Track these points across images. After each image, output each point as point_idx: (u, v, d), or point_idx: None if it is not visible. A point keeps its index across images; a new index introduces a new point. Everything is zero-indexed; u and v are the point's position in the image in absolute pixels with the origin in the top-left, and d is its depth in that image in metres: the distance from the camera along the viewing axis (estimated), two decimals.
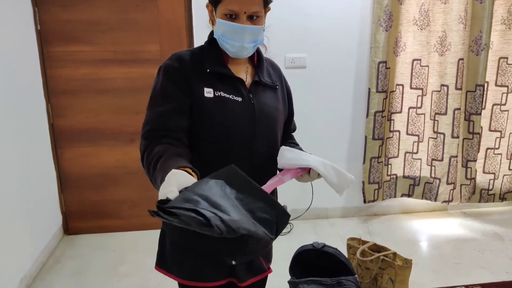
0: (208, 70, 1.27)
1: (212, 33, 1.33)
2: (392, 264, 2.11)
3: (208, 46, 1.32)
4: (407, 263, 2.12)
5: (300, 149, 1.44)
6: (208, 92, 1.25)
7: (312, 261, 2.00)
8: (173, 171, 1.00)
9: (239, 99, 1.28)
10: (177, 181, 0.96)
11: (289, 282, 1.94)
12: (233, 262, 1.35)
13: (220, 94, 1.26)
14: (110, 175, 3.18)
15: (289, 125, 1.52)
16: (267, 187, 1.21)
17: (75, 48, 2.97)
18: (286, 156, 1.27)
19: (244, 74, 1.34)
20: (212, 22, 1.31)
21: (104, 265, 2.84)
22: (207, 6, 1.30)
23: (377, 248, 2.27)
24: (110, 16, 2.95)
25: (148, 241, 3.12)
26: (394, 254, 2.17)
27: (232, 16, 1.23)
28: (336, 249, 2.03)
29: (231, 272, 1.37)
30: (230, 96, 1.27)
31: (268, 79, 1.37)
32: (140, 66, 3.03)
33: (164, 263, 1.38)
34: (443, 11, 3.04)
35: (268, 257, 1.53)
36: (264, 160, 1.34)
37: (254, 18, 1.24)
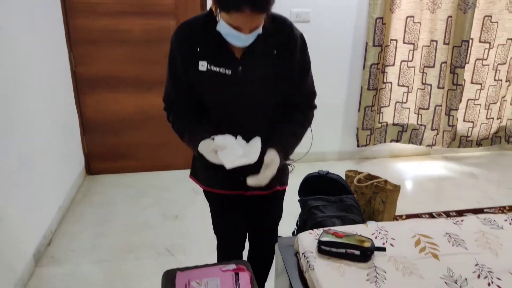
0: (203, 46, 1.40)
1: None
2: (384, 189, 2.52)
3: (208, 20, 1.39)
4: (396, 188, 2.54)
5: (293, 129, 1.58)
6: (202, 66, 1.41)
7: (317, 187, 2.39)
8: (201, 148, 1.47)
9: (229, 72, 1.40)
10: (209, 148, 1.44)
11: (299, 200, 2.33)
12: (241, 178, 1.54)
13: (212, 68, 1.40)
14: (129, 120, 3.47)
15: (294, 92, 1.54)
16: None
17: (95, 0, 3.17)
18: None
19: None
20: (215, 9, 1.36)
21: (128, 198, 3.19)
22: None
23: (370, 177, 2.68)
24: None
25: (164, 180, 3.48)
26: (385, 181, 2.58)
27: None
28: (338, 175, 2.43)
29: (241, 186, 1.60)
30: (221, 70, 1.40)
31: (262, 45, 1.40)
32: (156, 18, 3.25)
33: (195, 174, 1.75)
34: None
35: (281, 180, 1.72)
36: (250, 129, 1.52)
37: (255, 28, 1.33)
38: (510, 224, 1.95)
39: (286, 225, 2.29)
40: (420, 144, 3.78)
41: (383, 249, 1.71)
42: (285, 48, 1.45)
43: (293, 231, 2.41)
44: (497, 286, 1.55)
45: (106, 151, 3.55)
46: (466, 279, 1.58)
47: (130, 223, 2.86)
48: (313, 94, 1.64)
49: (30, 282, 2.29)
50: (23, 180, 2.39)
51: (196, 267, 1.59)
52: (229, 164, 1.43)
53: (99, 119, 3.46)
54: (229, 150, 1.46)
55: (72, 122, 3.34)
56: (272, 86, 1.49)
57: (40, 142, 2.67)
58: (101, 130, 3.49)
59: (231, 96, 1.48)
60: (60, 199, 2.93)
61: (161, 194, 3.24)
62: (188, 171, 1.78)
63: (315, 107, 1.66)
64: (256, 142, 1.51)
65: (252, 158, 1.46)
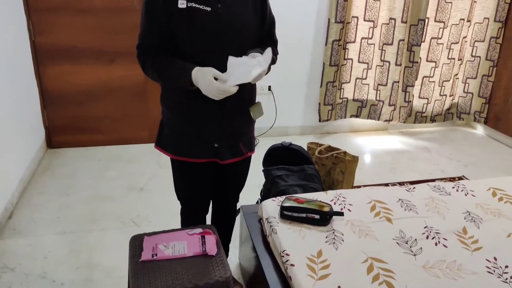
0: None
1: None
2: (343, 159, 2.63)
3: None
4: (354, 158, 2.67)
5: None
6: (182, 4, 1.44)
7: (281, 158, 2.48)
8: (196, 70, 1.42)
9: (208, 9, 1.45)
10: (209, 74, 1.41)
11: (263, 170, 2.41)
12: (216, 145, 1.67)
13: (192, 4, 1.44)
14: (91, 92, 3.41)
15: (265, 33, 1.67)
16: None
17: None
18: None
19: None
20: None
21: (92, 170, 3.17)
22: None
23: (330, 149, 2.79)
24: None
25: (128, 153, 3.47)
26: (345, 152, 2.70)
27: None
28: (300, 146, 2.52)
29: (215, 153, 1.68)
30: (201, 6, 1.44)
31: None
32: None
33: (161, 144, 1.73)
34: None
35: (250, 146, 1.80)
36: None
37: None
38: (457, 190, 2.11)
39: (250, 195, 2.37)
40: (378, 119, 3.95)
41: (341, 214, 1.82)
42: None
43: (257, 201, 2.50)
44: (443, 245, 1.69)
45: (67, 124, 3.49)
46: (416, 239, 1.72)
47: (94, 195, 2.85)
48: (277, 42, 1.78)
49: None
50: None
51: (163, 232, 1.65)
52: (244, 78, 1.40)
53: (60, 92, 3.38)
54: (234, 68, 1.41)
55: (31, 94, 3.26)
56: (249, 25, 1.56)
57: None
58: (62, 103, 3.42)
59: (211, 34, 1.48)
60: (20, 172, 2.87)
61: (126, 167, 3.24)
62: (152, 145, 1.77)
63: (278, 52, 1.77)
64: (267, 51, 1.48)
65: (266, 63, 1.45)
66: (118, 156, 3.41)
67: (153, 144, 1.77)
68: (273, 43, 1.74)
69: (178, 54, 1.53)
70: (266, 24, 1.65)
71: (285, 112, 3.81)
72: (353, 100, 3.92)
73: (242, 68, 1.41)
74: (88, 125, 3.53)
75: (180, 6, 1.45)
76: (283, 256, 1.59)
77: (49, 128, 3.47)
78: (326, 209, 1.77)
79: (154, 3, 1.47)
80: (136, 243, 1.59)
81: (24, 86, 3.11)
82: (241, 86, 1.50)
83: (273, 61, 1.69)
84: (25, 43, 3.14)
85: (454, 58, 3.89)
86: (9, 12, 2.88)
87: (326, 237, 1.70)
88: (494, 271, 1.55)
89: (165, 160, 3.15)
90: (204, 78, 1.41)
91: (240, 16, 1.54)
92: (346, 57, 3.73)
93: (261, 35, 1.65)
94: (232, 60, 1.40)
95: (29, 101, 3.21)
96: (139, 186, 2.98)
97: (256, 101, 1.75)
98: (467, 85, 4.11)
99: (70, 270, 2.18)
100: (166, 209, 2.66)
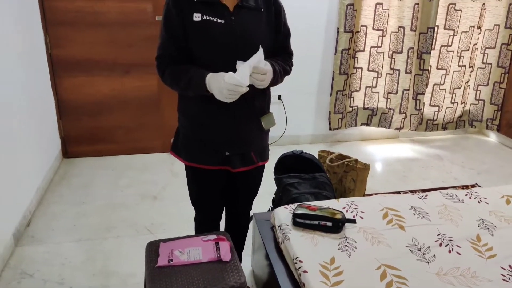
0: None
1: None
2: (354, 168, 2.65)
3: None
4: (366, 166, 2.68)
5: (277, 64, 1.65)
6: (197, 17, 1.51)
7: (292, 166, 2.51)
8: (209, 76, 1.48)
9: (222, 21, 1.52)
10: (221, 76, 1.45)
11: (275, 178, 2.44)
12: (227, 153, 1.71)
13: (206, 17, 1.51)
14: (106, 103, 3.48)
15: (279, 45, 1.71)
16: None
17: None
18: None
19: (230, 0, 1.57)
20: None
21: (106, 179, 3.23)
22: None
23: (341, 157, 2.81)
24: None
25: (142, 162, 3.52)
26: (356, 160, 2.72)
27: None
28: (311, 154, 2.54)
29: (226, 161, 1.73)
30: (215, 19, 1.52)
31: (252, 3, 1.58)
32: (132, 1, 3.24)
33: (176, 150, 1.79)
34: None
35: (262, 155, 1.84)
36: None
37: None
38: (470, 198, 2.12)
39: (262, 203, 2.39)
40: (389, 127, 3.96)
41: (354, 221, 1.83)
42: (272, 9, 1.63)
43: (269, 209, 2.52)
44: (457, 252, 1.70)
45: (82, 135, 3.56)
46: (429, 247, 1.73)
47: (109, 204, 2.90)
48: (292, 54, 1.82)
49: (11, 261, 2.32)
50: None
51: (178, 238, 1.68)
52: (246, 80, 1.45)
53: (75, 103, 3.46)
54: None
55: (48, 105, 3.33)
56: (262, 37, 1.60)
57: (16, 125, 2.66)
58: (77, 114, 3.49)
59: (223, 46, 1.54)
60: (38, 181, 2.94)
61: (139, 175, 3.29)
62: (165, 154, 1.82)
63: (292, 64, 1.81)
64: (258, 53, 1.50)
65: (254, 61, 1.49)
66: (131, 165, 3.47)
67: (166, 153, 1.82)
68: (288, 55, 1.78)
69: (195, 64, 1.58)
70: (281, 36, 1.70)
71: (295, 121, 3.84)
72: (363, 108, 3.94)
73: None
74: (102, 135, 3.59)
75: (195, 19, 1.52)
76: (296, 263, 1.61)
77: (64, 138, 3.54)
78: (338, 216, 1.79)
79: (171, 17, 1.54)
80: (152, 249, 1.63)
81: (40, 98, 3.18)
82: (252, 95, 1.55)
83: (287, 72, 1.73)
84: (42, 56, 3.23)
85: (465, 65, 3.89)
86: (27, 25, 2.97)
87: (339, 244, 1.71)
88: (509, 278, 1.55)
89: (178, 169, 3.21)
90: (215, 79, 1.47)
91: (253, 28, 1.59)
92: (355, 66, 3.76)
93: (275, 46, 1.69)
94: (239, 64, 1.46)
95: (46, 112, 3.29)
96: (153, 194, 3.03)
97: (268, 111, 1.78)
98: (478, 92, 4.11)
99: (86, 276, 2.22)
100: (180, 217, 2.70)
